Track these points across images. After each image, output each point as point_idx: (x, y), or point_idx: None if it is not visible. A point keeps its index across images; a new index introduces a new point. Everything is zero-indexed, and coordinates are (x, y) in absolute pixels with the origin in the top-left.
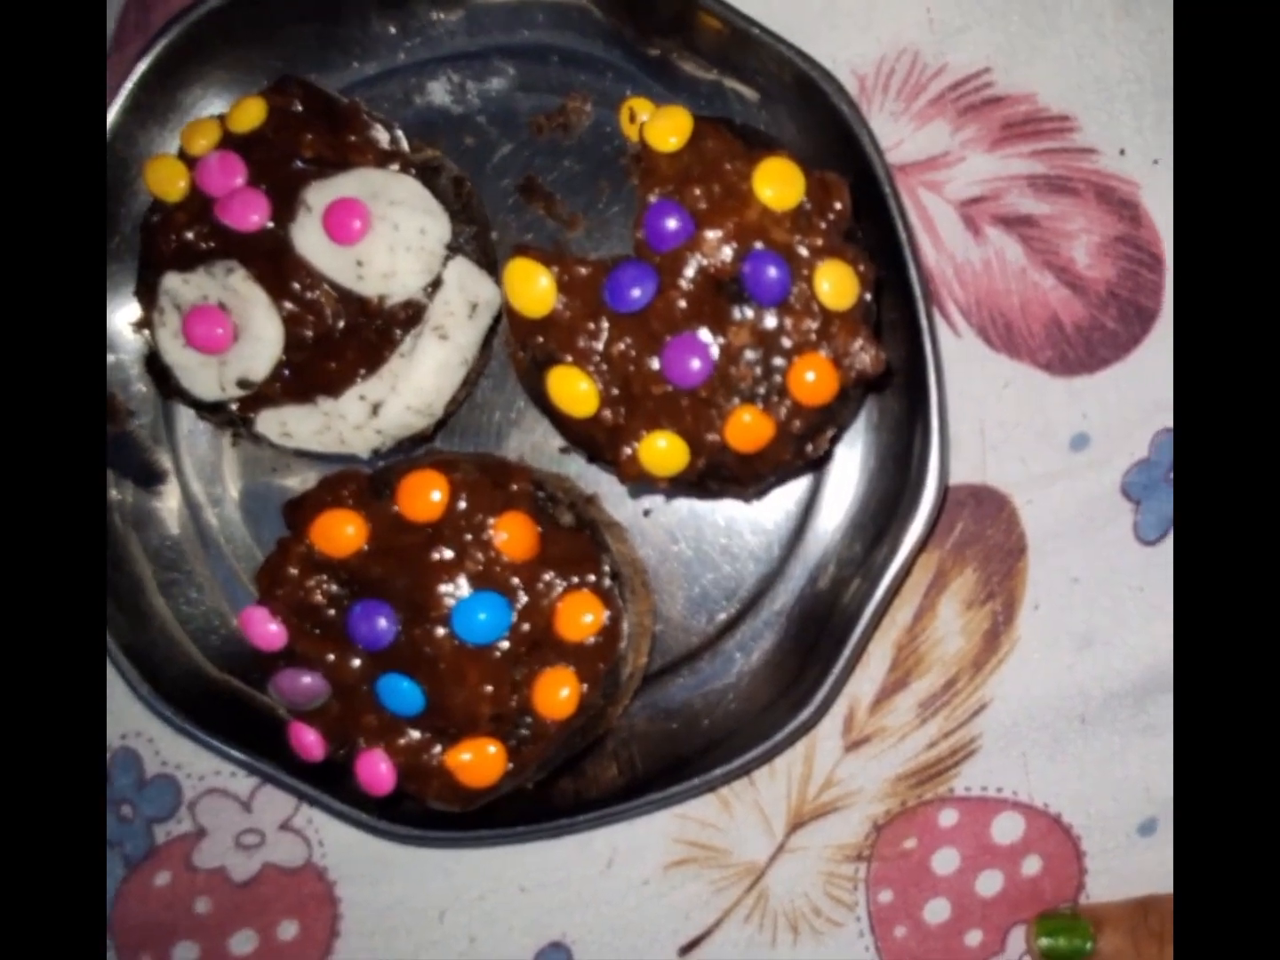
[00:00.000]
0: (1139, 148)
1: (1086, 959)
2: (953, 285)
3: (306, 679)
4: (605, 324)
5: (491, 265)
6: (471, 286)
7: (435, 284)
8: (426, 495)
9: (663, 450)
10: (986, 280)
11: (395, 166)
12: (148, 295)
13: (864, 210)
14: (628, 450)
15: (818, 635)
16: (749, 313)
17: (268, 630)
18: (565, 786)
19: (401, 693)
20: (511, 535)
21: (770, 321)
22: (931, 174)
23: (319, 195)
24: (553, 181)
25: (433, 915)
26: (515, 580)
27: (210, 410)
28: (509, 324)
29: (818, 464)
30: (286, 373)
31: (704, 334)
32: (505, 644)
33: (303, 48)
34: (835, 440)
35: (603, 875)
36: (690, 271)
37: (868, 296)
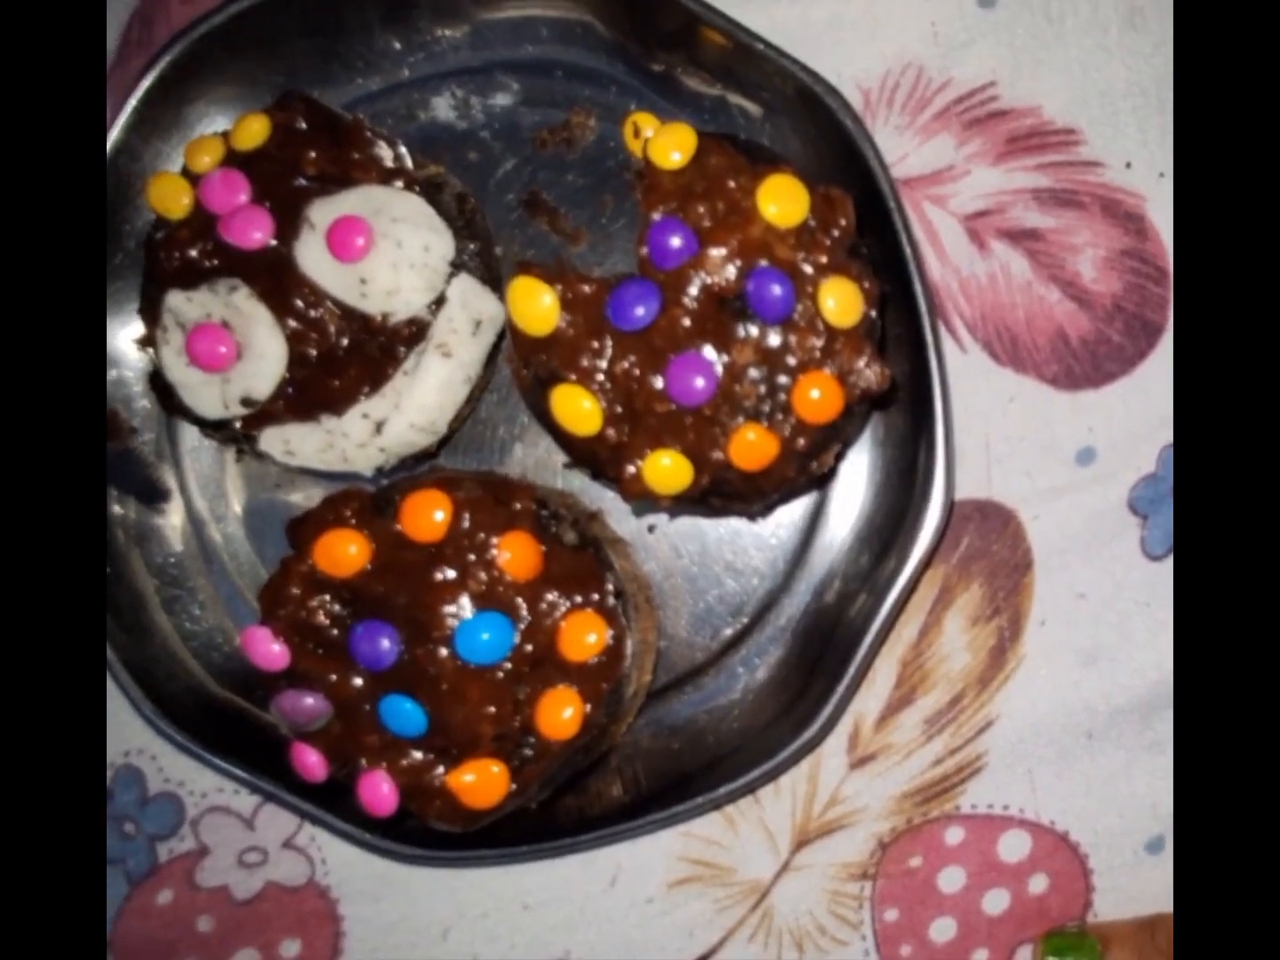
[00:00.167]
0: (1144, 161)
1: None
2: (958, 299)
3: (309, 700)
4: (609, 342)
5: (495, 281)
6: (475, 303)
7: (439, 301)
8: (430, 514)
9: (666, 468)
10: (992, 294)
11: (399, 183)
12: (151, 312)
13: (869, 224)
14: (631, 468)
15: (823, 651)
16: (753, 330)
17: (270, 650)
18: (569, 804)
19: (404, 713)
20: (514, 555)
21: (774, 339)
22: (936, 188)
23: (322, 212)
24: (556, 196)
25: (436, 933)
26: (518, 600)
27: (213, 428)
28: (512, 342)
29: (822, 480)
30: (290, 390)
31: (708, 352)
32: (508, 664)
33: (306, 63)
34: (840, 457)
35: (606, 893)
36: (694, 289)
37: (873, 313)
